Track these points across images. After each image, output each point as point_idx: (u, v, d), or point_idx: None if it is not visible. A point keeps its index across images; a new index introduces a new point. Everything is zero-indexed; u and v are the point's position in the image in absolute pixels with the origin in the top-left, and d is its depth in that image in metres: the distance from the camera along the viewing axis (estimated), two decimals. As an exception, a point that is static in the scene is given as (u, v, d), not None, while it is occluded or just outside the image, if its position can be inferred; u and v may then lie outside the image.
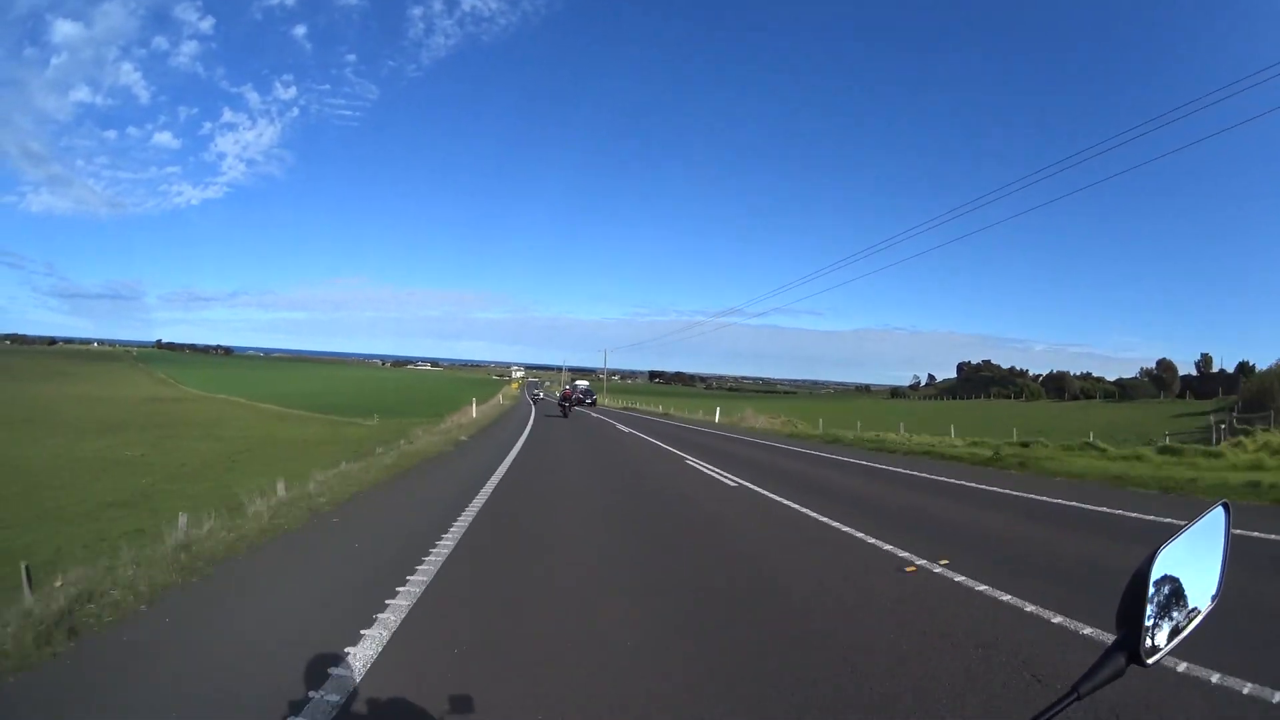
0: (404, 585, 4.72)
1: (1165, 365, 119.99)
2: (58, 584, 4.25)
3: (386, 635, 3.75)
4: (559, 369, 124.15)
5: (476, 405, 33.11)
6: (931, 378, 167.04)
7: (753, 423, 29.62)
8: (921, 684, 3.12)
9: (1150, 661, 0.90)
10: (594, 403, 56.50)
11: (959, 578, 5.05)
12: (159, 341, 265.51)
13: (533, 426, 25.05)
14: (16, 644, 3.34)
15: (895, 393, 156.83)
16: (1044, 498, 8.86)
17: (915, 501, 9.20)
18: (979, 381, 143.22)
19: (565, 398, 37.76)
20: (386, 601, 4.35)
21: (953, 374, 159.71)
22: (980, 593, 4.69)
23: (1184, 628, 0.97)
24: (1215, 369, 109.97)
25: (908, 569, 5.32)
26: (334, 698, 2.95)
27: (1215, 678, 3.08)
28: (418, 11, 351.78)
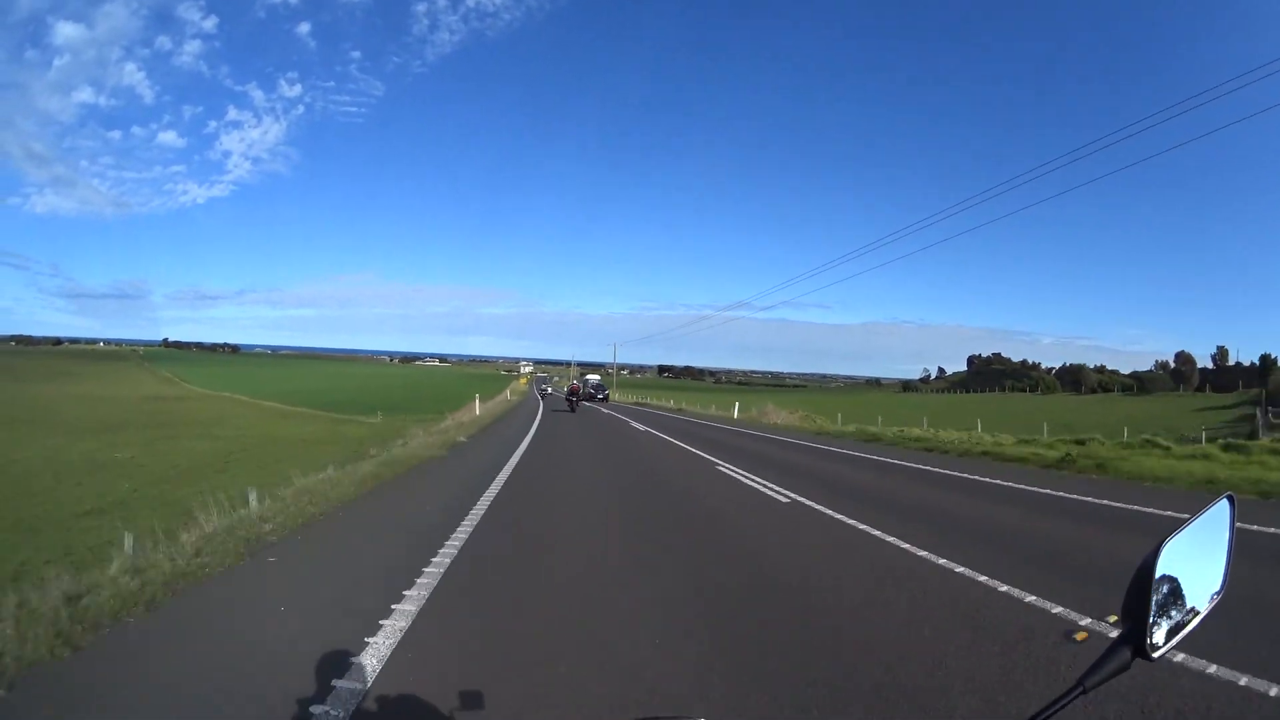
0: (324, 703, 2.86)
1: (1184, 358, 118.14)
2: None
3: None
4: (568, 364, 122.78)
5: (482, 402, 31.90)
6: (941, 371, 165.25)
7: (773, 418, 27.94)
8: None
9: (1155, 656, 0.89)
10: (606, 398, 52.44)
11: (1212, 668, 3.58)
12: (166, 340, 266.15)
13: (539, 425, 22.87)
14: None
15: (906, 386, 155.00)
16: (1169, 512, 7.33)
17: (1025, 525, 7.13)
18: (990, 374, 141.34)
19: (573, 392, 37.13)
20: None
21: (962, 367, 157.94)
22: (1207, 674, 3.12)
23: (1189, 621, 0.96)
24: (1231, 361, 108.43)
25: (1077, 636, 3.77)
26: None
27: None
28: (422, 8, 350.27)
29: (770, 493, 9.02)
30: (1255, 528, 6.40)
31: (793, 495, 8.73)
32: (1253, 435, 26.43)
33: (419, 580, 4.63)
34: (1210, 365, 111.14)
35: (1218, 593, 1.02)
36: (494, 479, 9.72)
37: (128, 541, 5.87)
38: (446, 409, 30.38)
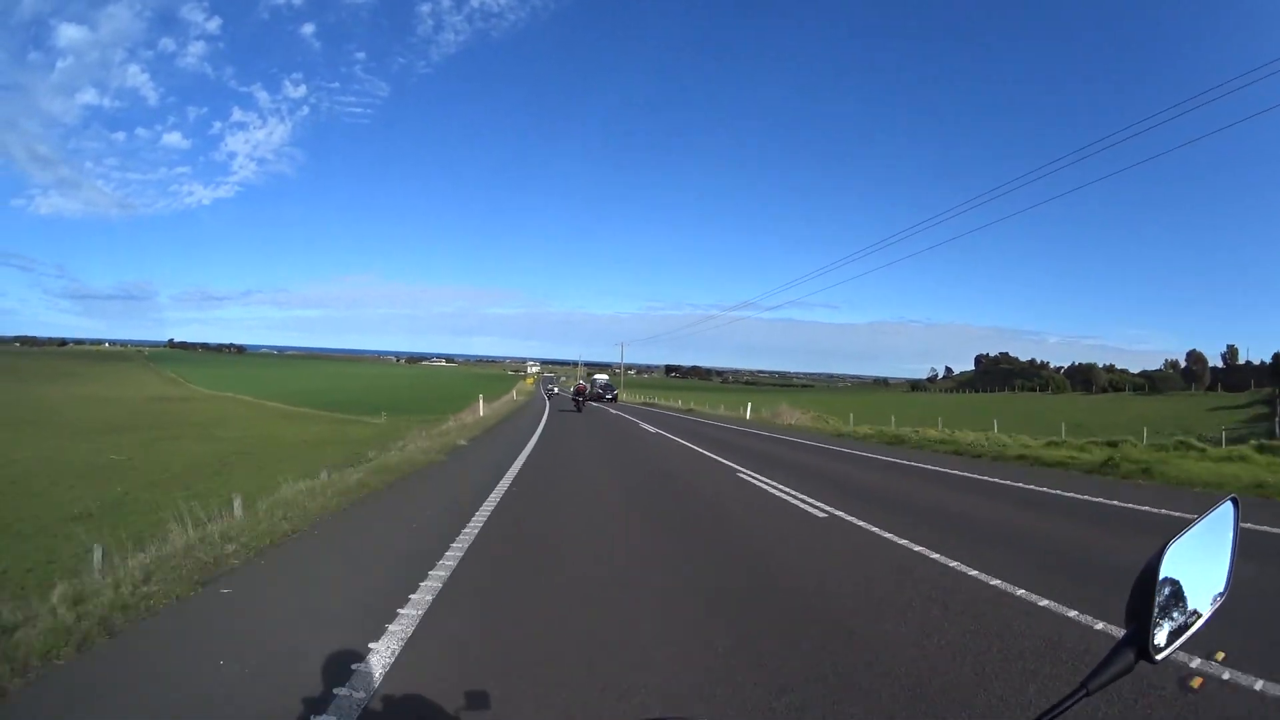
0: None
1: (1196, 357, 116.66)
2: None
3: None
4: (574, 364, 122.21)
5: (488, 403, 31.26)
6: (949, 370, 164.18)
7: (787, 419, 27.01)
8: None
9: (1159, 658, 0.89)
10: (615, 398, 51.18)
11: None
12: (171, 341, 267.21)
13: (545, 427, 21.72)
14: None
15: (915, 386, 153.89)
16: (1248, 524, 6.56)
17: (1083, 538, 6.35)
18: (998, 374, 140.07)
19: (579, 392, 37.07)
20: None
21: (969, 366, 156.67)
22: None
23: (1193, 623, 0.96)
24: (1241, 360, 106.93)
25: (1193, 683, 3.15)
26: None
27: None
28: (426, 8, 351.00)
29: (800, 503, 8.09)
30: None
31: (828, 508, 7.74)
32: (1271, 435, 25.69)
33: (390, 628, 3.69)
34: (1220, 364, 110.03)
35: (1221, 595, 1.01)
36: (493, 489, 8.71)
37: (97, 555, 5.32)
38: (452, 410, 29.73)
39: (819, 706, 2.89)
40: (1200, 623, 0.97)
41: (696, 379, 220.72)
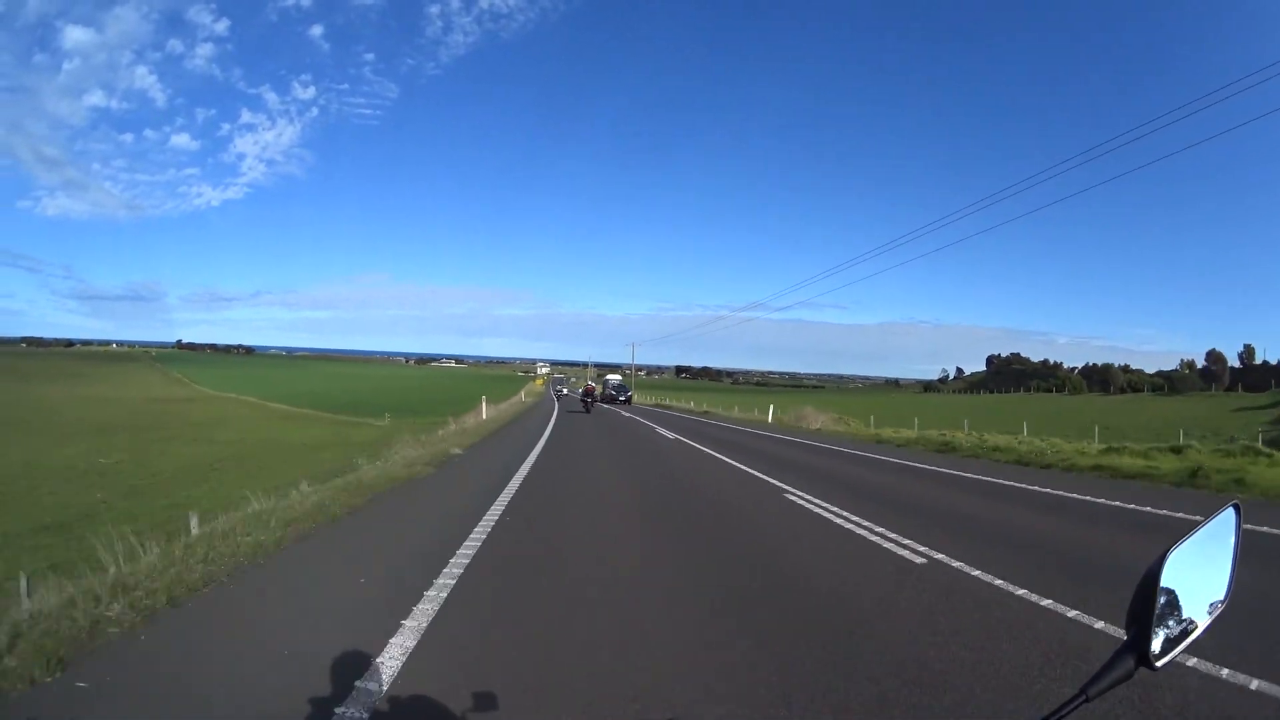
0: None
1: (1215, 357, 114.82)
2: None
3: None
4: (585, 365, 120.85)
5: (493, 405, 29.97)
6: (960, 371, 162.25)
7: (812, 423, 25.33)
8: None
9: (1159, 664, 0.88)
10: (629, 400, 47.81)
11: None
12: (179, 342, 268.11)
13: (552, 431, 19.52)
14: None
15: (927, 387, 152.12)
16: None
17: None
18: (1010, 374, 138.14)
19: (588, 393, 35.90)
20: None
21: (979, 367, 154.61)
22: None
23: (1193, 630, 0.95)
24: (1258, 360, 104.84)
25: None
26: None
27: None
28: (435, 9, 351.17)
29: (888, 545, 5.83)
30: None
31: (925, 549, 5.59)
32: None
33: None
34: (1237, 364, 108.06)
35: (1221, 601, 1.01)
36: (485, 513, 6.85)
37: (23, 584, 4.42)
38: (457, 411, 28.47)
39: None
40: (1201, 629, 0.96)
41: (707, 380, 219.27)
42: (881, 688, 2.95)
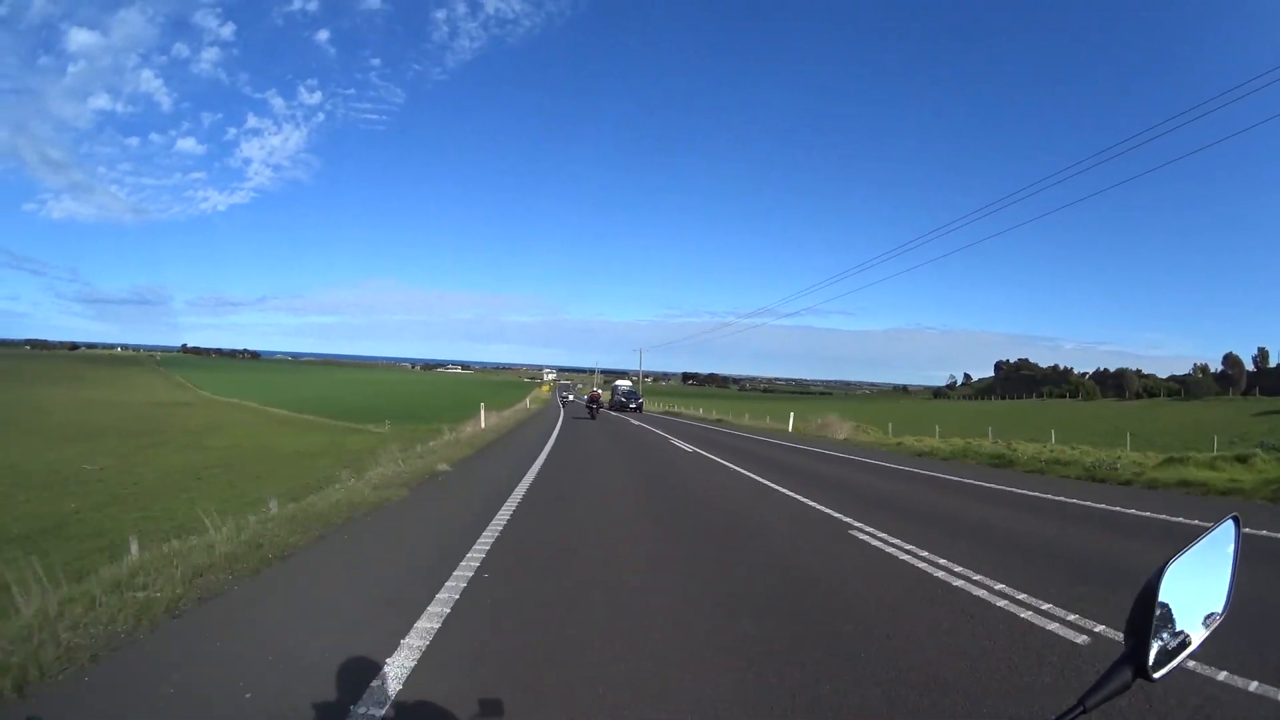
0: None
1: (1232, 360, 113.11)
2: None
3: None
4: (591, 371, 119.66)
5: (496, 412, 28.87)
6: (968, 377, 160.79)
7: (838, 433, 23.67)
8: None
9: (1157, 676, 0.87)
10: (639, 407, 45.46)
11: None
12: (185, 346, 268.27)
13: (556, 443, 17.79)
14: None
15: (937, 393, 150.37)
16: None
17: None
18: (1019, 380, 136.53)
19: (593, 399, 35.73)
20: None
21: (987, 372, 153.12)
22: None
23: (1191, 642, 0.94)
24: (1273, 364, 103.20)
25: None
26: None
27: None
28: (441, 15, 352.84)
29: (1054, 628, 3.72)
30: None
31: (1088, 625, 3.74)
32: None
33: None
34: (1252, 368, 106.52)
35: (1220, 613, 1.00)
36: (458, 564, 5.00)
37: None
38: (459, 418, 27.39)
39: None
40: (1199, 641, 0.95)
41: (714, 386, 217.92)
42: None
